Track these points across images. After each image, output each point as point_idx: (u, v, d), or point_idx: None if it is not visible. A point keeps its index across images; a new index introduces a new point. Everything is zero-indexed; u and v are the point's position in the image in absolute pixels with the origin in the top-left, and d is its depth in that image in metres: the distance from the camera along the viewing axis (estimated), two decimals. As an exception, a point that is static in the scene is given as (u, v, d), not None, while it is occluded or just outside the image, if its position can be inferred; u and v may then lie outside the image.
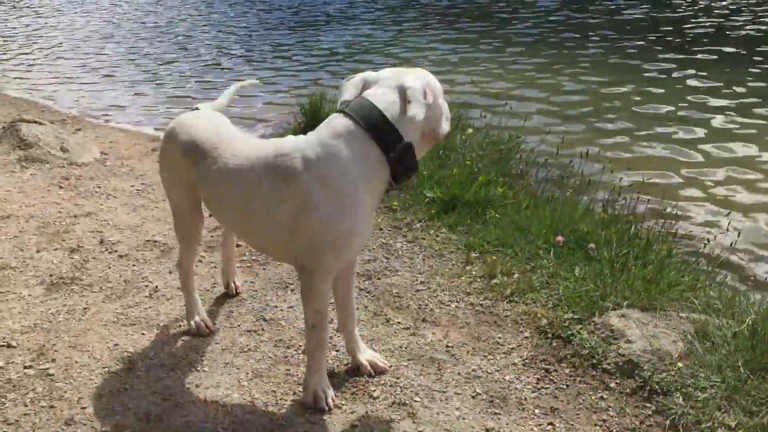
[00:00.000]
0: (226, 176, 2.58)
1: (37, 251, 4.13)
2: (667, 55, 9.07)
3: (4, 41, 15.22)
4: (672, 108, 6.96)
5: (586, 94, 7.50)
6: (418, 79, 2.41)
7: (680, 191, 4.83)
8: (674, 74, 8.36)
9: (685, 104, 7.08)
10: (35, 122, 6.70)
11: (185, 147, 2.78)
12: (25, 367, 2.98)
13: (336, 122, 2.43)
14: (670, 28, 10.76)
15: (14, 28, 17.12)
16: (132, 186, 5.35)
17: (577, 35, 10.77)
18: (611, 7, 13.09)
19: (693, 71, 8.26)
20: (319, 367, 2.67)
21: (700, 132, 6.23)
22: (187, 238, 3.12)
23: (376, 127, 2.37)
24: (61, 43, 14.28)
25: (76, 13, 19.07)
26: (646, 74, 8.33)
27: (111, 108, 8.89)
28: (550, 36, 10.93)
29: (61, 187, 5.29)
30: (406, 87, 2.37)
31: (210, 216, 3.93)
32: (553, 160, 4.50)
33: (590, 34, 10.72)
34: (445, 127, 2.54)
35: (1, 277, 3.79)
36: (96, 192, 5.20)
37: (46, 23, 17.54)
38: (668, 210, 3.98)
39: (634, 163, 5.34)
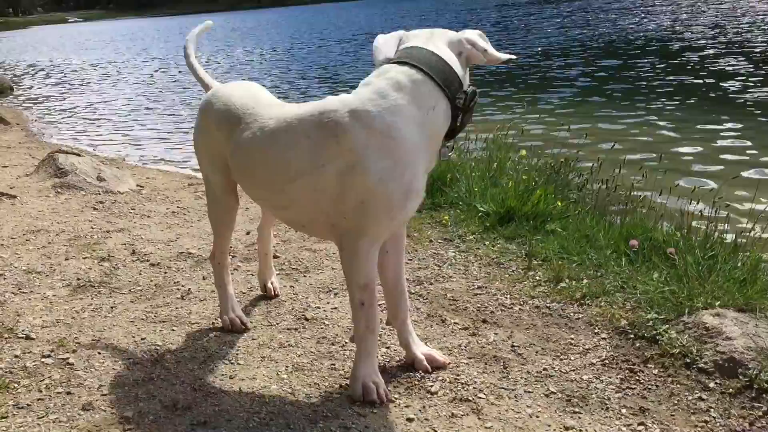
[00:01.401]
0: (263, 141, 2.32)
1: (66, 259, 3.89)
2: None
3: (48, 96, 15.66)
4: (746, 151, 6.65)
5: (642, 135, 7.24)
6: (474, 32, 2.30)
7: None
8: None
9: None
10: (73, 153, 6.63)
11: (220, 117, 2.55)
12: (43, 357, 2.69)
13: (395, 72, 2.17)
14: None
15: (57, 83, 17.63)
16: (167, 209, 5.14)
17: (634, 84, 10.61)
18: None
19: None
20: (369, 353, 2.33)
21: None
22: (222, 223, 2.86)
23: (444, 75, 2.16)
24: (103, 94, 14.65)
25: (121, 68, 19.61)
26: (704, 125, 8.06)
27: (149, 154, 8.87)
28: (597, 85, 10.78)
29: (95, 209, 5.10)
30: (472, 35, 2.26)
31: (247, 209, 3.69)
32: (613, 178, 4.17)
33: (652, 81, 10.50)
34: None
35: (25, 281, 3.55)
36: (130, 213, 5.00)
37: (85, 80, 18.09)
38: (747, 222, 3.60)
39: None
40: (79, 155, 6.60)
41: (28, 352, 2.72)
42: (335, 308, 3.08)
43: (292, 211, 2.36)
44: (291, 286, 3.37)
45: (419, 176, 2.18)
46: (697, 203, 3.51)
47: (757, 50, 13.31)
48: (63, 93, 16.82)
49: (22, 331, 2.92)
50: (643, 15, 24.72)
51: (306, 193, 2.24)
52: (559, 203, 3.89)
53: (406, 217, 2.27)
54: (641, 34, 18.27)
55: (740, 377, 2.31)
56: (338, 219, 2.22)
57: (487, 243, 3.69)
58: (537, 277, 3.22)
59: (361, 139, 2.11)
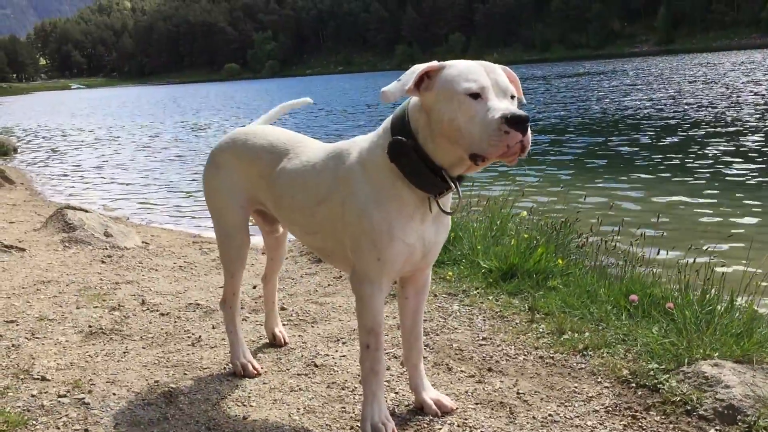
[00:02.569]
0: (305, 167, 2.52)
1: (77, 308, 3.97)
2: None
3: (50, 157, 15.91)
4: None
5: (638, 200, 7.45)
6: (435, 63, 2.16)
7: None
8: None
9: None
10: (81, 209, 6.75)
11: (261, 150, 2.69)
12: (59, 396, 2.75)
13: (389, 118, 2.35)
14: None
15: (61, 146, 17.92)
16: (174, 263, 5.24)
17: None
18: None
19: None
20: (375, 394, 2.42)
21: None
22: (236, 260, 2.90)
23: (394, 117, 2.27)
24: (103, 159, 14.91)
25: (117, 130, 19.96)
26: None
27: (152, 214, 9.03)
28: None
29: (103, 262, 5.19)
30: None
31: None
32: (612, 237, 4.32)
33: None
34: (476, 140, 2.01)
35: (38, 327, 3.62)
36: (138, 266, 5.09)
37: (85, 143, 18.41)
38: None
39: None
40: (87, 211, 6.73)
41: (45, 392, 2.79)
42: (344, 356, 3.16)
43: (319, 237, 2.51)
44: (299, 336, 3.45)
45: (398, 221, 2.23)
46: (694, 261, 3.63)
47: (743, 126, 13.69)
48: (64, 155, 17.15)
49: (38, 372, 2.99)
50: (632, 93, 25.40)
51: (327, 219, 2.41)
52: (560, 261, 4.01)
53: (396, 264, 2.29)
54: (633, 110, 18.78)
55: (739, 423, 2.38)
56: (349, 252, 2.37)
57: (490, 297, 3.79)
58: (540, 330, 3.31)
59: (352, 168, 2.31)
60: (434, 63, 2.15)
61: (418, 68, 2.12)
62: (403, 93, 2.10)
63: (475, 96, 2.03)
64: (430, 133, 2.15)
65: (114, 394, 2.79)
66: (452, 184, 2.19)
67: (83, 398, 2.73)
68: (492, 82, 2.07)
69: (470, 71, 2.08)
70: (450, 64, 2.14)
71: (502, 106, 2.00)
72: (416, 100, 2.20)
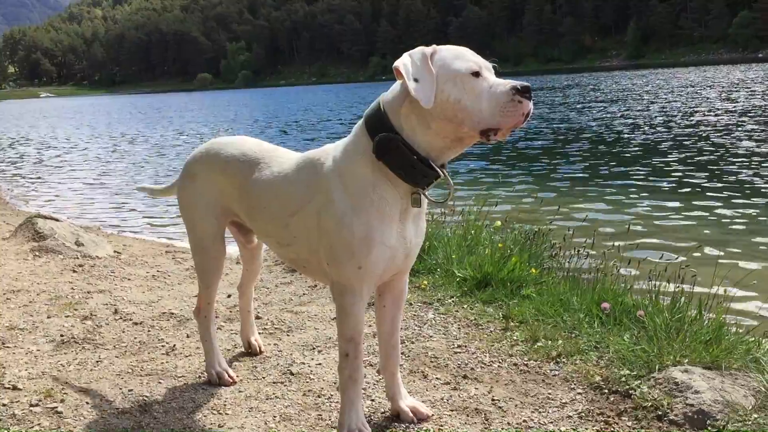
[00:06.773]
0: (278, 177, 2.51)
1: (48, 317, 3.92)
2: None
3: (18, 166, 15.70)
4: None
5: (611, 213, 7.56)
6: (415, 51, 2.17)
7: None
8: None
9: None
10: (51, 218, 6.68)
11: (232, 160, 2.69)
12: (31, 405, 2.72)
13: (359, 121, 2.35)
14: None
15: (31, 154, 17.69)
16: (147, 272, 5.19)
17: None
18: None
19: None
20: (353, 402, 2.43)
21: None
22: (211, 271, 2.90)
23: (368, 117, 2.27)
24: (72, 167, 14.75)
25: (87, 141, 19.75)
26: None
27: (123, 223, 8.95)
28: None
29: (74, 272, 5.13)
30: (399, 61, 2.14)
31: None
32: (584, 247, 4.39)
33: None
34: (486, 116, 2.08)
35: (8, 336, 3.58)
36: (110, 276, 5.04)
37: (53, 152, 18.20)
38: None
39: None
40: (57, 220, 6.65)
41: (16, 401, 2.75)
42: (320, 364, 3.16)
43: (293, 248, 2.50)
44: (275, 344, 3.44)
45: (377, 226, 2.23)
46: (665, 270, 3.70)
47: (708, 138, 13.96)
48: (33, 164, 16.95)
49: (9, 382, 2.95)
50: (602, 106, 25.76)
51: (301, 230, 2.40)
52: (534, 270, 4.06)
53: (378, 270, 2.30)
54: (602, 123, 19.04)
55: (709, 428, 2.43)
56: (325, 264, 2.37)
57: (465, 306, 3.82)
58: (514, 338, 3.34)
59: (329, 176, 2.31)
60: (425, 48, 2.18)
61: (416, 55, 2.14)
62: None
63: (476, 74, 2.11)
64: (420, 121, 2.16)
65: (87, 403, 2.76)
66: (441, 172, 2.23)
67: (55, 407, 2.70)
68: (480, 61, 2.16)
69: (462, 53, 2.17)
70: (439, 48, 2.19)
71: (500, 80, 2.12)
72: (391, 96, 2.23)
